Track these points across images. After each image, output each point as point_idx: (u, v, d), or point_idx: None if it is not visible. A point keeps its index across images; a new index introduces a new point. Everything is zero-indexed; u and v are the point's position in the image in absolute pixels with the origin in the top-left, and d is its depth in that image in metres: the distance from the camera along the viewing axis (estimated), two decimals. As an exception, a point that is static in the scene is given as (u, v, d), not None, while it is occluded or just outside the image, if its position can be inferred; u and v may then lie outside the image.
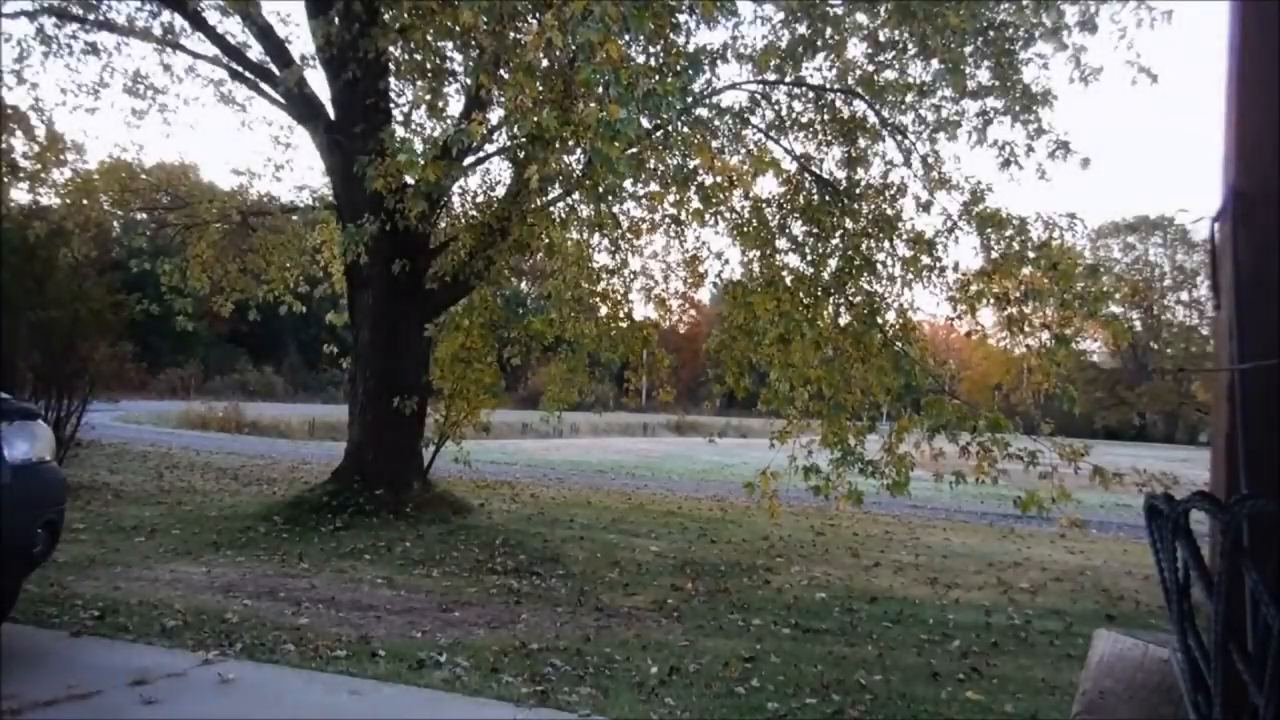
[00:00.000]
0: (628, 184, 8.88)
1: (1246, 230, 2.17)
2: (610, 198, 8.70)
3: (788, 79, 9.32)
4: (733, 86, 9.52)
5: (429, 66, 8.59)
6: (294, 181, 47.05)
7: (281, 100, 10.14)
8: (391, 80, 9.73)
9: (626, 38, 6.63)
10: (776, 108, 9.80)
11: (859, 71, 9.05)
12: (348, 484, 9.73)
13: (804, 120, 9.76)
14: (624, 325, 10.64)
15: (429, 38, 8.10)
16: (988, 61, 8.66)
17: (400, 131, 8.76)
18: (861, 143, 9.44)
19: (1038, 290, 8.60)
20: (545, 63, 7.09)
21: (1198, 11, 7.71)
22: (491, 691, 4.34)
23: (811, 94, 9.58)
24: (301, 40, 23.98)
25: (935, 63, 8.59)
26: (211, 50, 10.54)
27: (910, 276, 9.11)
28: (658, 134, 8.18)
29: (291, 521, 8.94)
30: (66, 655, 4.52)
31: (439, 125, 8.63)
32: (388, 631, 5.41)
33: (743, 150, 9.88)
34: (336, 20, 8.24)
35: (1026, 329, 8.82)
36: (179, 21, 10.47)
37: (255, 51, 10.28)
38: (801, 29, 8.72)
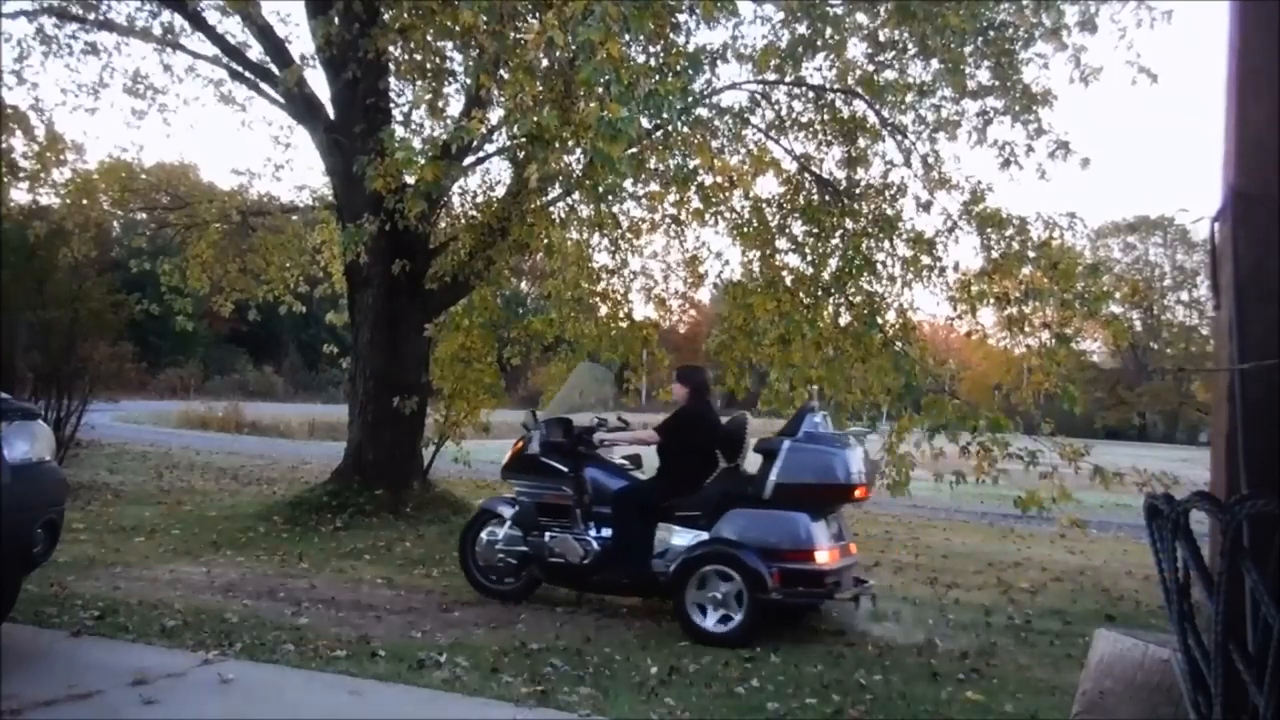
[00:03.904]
0: (628, 184, 8.87)
1: (1246, 230, 2.17)
2: (610, 198, 8.68)
3: (788, 79, 9.31)
4: (733, 86, 9.52)
5: (429, 66, 8.59)
6: (294, 181, 47.09)
7: (281, 100, 10.13)
8: (391, 80, 9.72)
9: (627, 37, 6.62)
10: (776, 108, 9.79)
11: (859, 71, 9.03)
12: (348, 484, 9.73)
13: (804, 120, 9.75)
14: (624, 325, 10.62)
15: (429, 38, 8.09)
16: (988, 61, 8.65)
17: (400, 131, 8.75)
18: (861, 143, 9.43)
19: (1038, 290, 8.59)
20: (545, 62, 7.09)
21: (1198, 11, 7.72)
22: (491, 691, 4.34)
23: (811, 94, 9.57)
24: (301, 40, 24.02)
25: (935, 63, 8.58)
26: (211, 50, 10.54)
27: (910, 276, 9.11)
28: (658, 134, 8.17)
29: (291, 521, 8.94)
30: (66, 655, 4.52)
31: (439, 125, 8.63)
32: (388, 631, 5.41)
33: (743, 150, 9.87)
34: (336, 20, 8.23)
35: (1027, 329, 8.82)
36: (179, 21, 10.47)
37: (255, 51, 10.28)
38: (801, 29, 8.70)
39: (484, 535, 6.54)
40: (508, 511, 6.49)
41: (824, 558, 5.68)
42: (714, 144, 9.27)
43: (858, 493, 5.97)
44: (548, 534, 6.21)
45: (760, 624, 5.57)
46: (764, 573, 5.52)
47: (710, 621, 5.61)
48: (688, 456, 6.22)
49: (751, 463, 6.12)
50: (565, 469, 6.36)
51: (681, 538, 5.93)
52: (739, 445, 6.25)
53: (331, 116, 9.82)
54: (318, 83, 10.06)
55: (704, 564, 5.69)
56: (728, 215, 9.69)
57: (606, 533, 6.13)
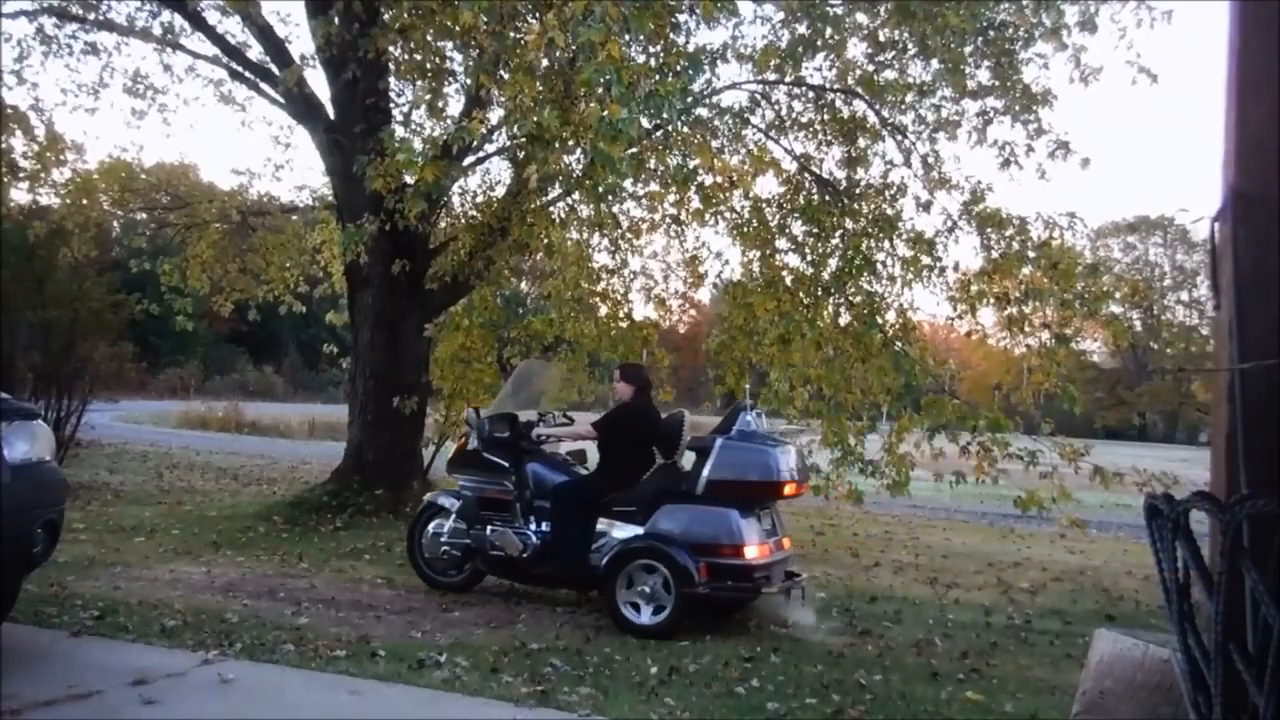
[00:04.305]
0: (628, 184, 8.87)
1: (1246, 230, 2.17)
2: (610, 198, 8.69)
3: (788, 79, 9.31)
4: (733, 86, 9.52)
5: (429, 66, 8.59)
6: (294, 181, 46.96)
7: (281, 100, 10.13)
8: (391, 80, 9.73)
9: (627, 38, 6.62)
10: (776, 108, 9.79)
11: (859, 71, 9.04)
12: (348, 484, 9.73)
13: (804, 120, 9.75)
14: (624, 325, 10.63)
15: (429, 38, 8.09)
16: (988, 61, 8.66)
17: (400, 131, 8.75)
18: (861, 143, 9.43)
19: (1038, 290, 8.60)
20: (545, 63, 7.09)
21: (1198, 11, 7.72)
22: (491, 691, 4.34)
23: (811, 94, 9.57)
24: (301, 40, 23.97)
25: (935, 63, 8.58)
26: (211, 50, 10.54)
27: (910, 276, 9.11)
28: (658, 134, 8.17)
29: (291, 521, 8.94)
30: (66, 655, 4.52)
31: (439, 125, 8.63)
32: (388, 631, 5.41)
33: (743, 150, 9.87)
34: (336, 20, 8.23)
35: (1026, 329, 8.82)
36: (179, 21, 10.47)
37: (255, 51, 10.29)
38: (801, 29, 8.71)
39: (430, 528, 6.66)
40: (452, 505, 6.61)
41: (753, 553, 5.77)
42: (714, 144, 9.27)
43: (788, 489, 6.04)
44: (489, 527, 6.34)
45: (687, 617, 5.69)
46: (691, 567, 5.63)
47: (638, 614, 5.72)
48: (625, 453, 6.31)
49: (690, 459, 6.19)
50: (506, 464, 6.48)
51: (621, 532, 6.03)
52: (676, 442, 6.32)
53: (331, 116, 9.82)
54: (318, 83, 10.08)
55: (634, 558, 5.81)
56: (728, 215, 9.69)
57: (546, 527, 6.24)
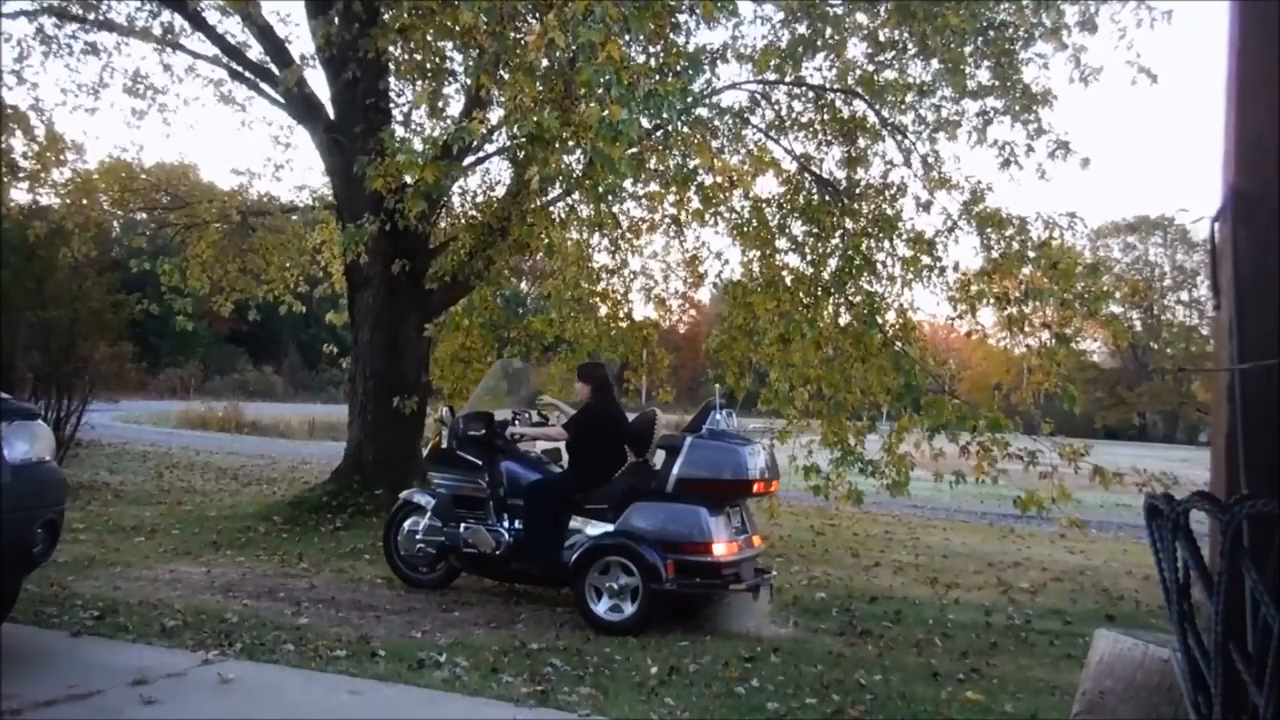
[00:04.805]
0: (628, 184, 8.87)
1: (1246, 230, 2.17)
2: (610, 198, 8.70)
3: (788, 79, 9.31)
4: (733, 86, 9.51)
5: (429, 66, 8.60)
6: (294, 181, 47.00)
7: (281, 100, 10.13)
8: (391, 80, 9.73)
9: (627, 38, 6.63)
10: (776, 108, 9.79)
11: (859, 71, 9.04)
12: (348, 484, 9.73)
13: (804, 120, 9.75)
14: (624, 325, 10.62)
15: (429, 38, 8.10)
16: (988, 61, 8.66)
17: (400, 131, 8.75)
18: (861, 143, 9.43)
19: (1038, 290, 8.59)
20: (545, 63, 7.09)
21: (1198, 11, 7.72)
22: (491, 691, 4.34)
23: (811, 94, 9.57)
24: (301, 40, 24.00)
25: (935, 63, 8.58)
26: (211, 50, 10.54)
27: (910, 276, 9.11)
28: (658, 134, 8.17)
29: (291, 521, 8.94)
30: (66, 655, 4.52)
31: (439, 125, 8.63)
32: (388, 631, 5.41)
33: (743, 150, 9.87)
34: (336, 20, 8.23)
35: (1026, 329, 8.82)
36: (179, 21, 10.47)
37: (255, 51, 10.28)
38: (801, 29, 8.71)
39: (406, 526, 6.72)
40: (427, 503, 6.67)
41: (721, 550, 5.83)
42: (714, 144, 9.26)
43: (757, 488, 6.10)
44: (463, 525, 6.41)
45: (656, 613, 5.75)
46: (659, 564, 5.69)
47: (608, 610, 5.78)
48: (595, 452, 6.38)
49: (661, 457, 6.24)
50: (480, 462, 6.55)
51: (593, 530, 6.08)
52: (647, 440, 6.36)
53: (331, 116, 9.81)
54: (318, 83, 10.08)
55: (603, 555, 5.87)
56: (728, 215, 9.69)
57: (519, 524, 6.32)
